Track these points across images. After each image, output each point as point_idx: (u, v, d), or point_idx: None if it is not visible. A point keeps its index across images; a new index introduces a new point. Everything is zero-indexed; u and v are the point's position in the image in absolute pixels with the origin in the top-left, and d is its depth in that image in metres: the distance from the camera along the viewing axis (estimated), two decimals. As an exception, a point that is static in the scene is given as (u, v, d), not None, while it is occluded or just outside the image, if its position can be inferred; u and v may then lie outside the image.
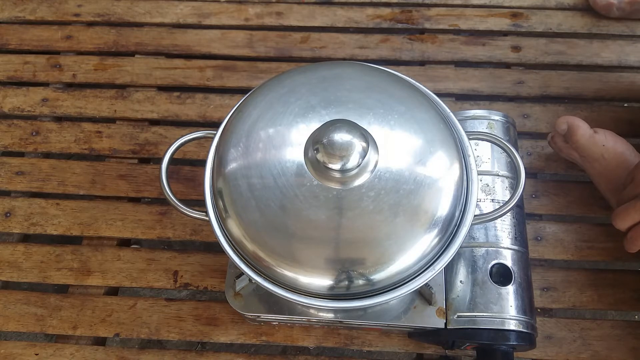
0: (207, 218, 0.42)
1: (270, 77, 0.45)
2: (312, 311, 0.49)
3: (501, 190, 0.52)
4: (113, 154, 0.67)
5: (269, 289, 0.39)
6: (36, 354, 0.56)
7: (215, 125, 0.57)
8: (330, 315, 0.49)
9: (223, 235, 0.41)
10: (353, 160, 0.37)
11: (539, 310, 0.57)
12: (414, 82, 0.46)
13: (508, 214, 0.50)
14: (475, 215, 0.41)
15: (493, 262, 0.49)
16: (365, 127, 0.39)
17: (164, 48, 0.75)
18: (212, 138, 0.45)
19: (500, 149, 0.50)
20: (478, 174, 0.43)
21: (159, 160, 0.55)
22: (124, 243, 0.63)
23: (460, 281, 0.48)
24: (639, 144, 0.59)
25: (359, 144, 0.37)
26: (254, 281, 0.40)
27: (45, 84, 0.73)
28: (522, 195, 0.49)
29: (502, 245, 0.50)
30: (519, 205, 0.53)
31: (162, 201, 0.64)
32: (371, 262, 0.37)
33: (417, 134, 0.40)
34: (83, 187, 0.65)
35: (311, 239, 0.38)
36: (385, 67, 0.47)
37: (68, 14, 0.78)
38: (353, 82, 0.43)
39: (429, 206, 0.38)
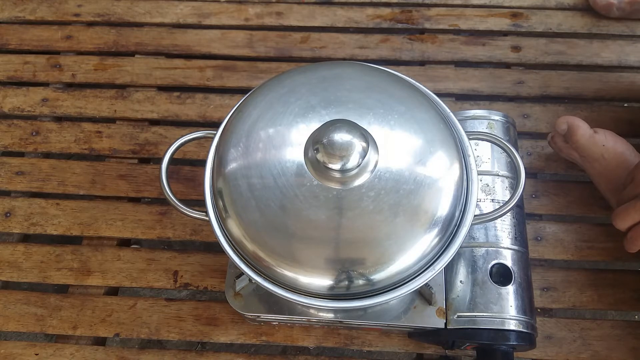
0: (207, 218, 0.42)
1: (270, 77, 0.45)
2: (312, 311, 0.48)
3: (501, 190, 0.52)
4: (113, 154, 0.67)
5: (269, 289, 0.39)
6: (36, 354, 0.56)
7: (215, 125, 0.57)
8: (330, 315, 0.49)
9: (223, 235, 0.41)
10: (353, 160, 0.37)
11: (539, 310, 0.57)
12: (414, 82, 0.46)
13: (508, 214, 0.50)
14: (475, 215, 0.41)
15: (493, 262, 0.49)
16: (365, 127, 0.39)
17: (164, 48, 0.75)
18: (212, 138, 0.45)
19: (500, 149, 0.50)
20: (478, 174, 0.43)
21: (159, 160, 0.55)
22: (124, 243, 0.63)
23: (460, 281, 0.48)
24: (639, 144, 0.59)
25: (359, 144, 0.37)
26: (254, 281, 0.40)
27: (45, 84, 0.73)
28: (522, 195, 0.49)
29: (502, 245, 0.50)
30: (519, 205, 0.53)
31: (162, 201, 0.64)
32: (371, 262, 0.37)
33: (417, 134, 0.40)
34: (83, 187, 0.65)
35: (311, 239, 0.38)
36: (385, 67, 0.47)
37: (68, 14, 0.78)
38: (353, 82, 0.43)
39: (429, 206, 0.38)
